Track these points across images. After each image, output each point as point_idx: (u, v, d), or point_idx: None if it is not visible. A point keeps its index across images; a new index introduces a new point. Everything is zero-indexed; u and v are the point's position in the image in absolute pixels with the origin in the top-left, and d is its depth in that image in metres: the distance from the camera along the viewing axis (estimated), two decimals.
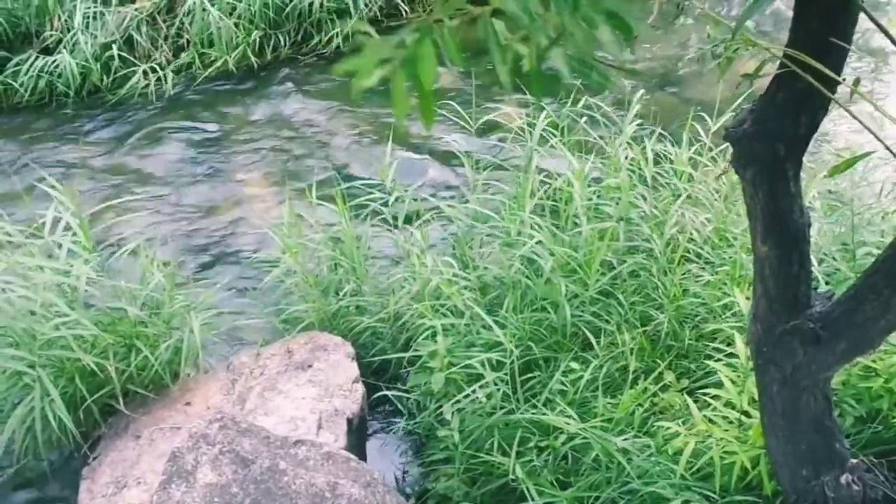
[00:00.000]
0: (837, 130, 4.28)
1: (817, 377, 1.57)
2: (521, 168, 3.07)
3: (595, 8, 0.77)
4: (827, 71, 1.17)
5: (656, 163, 3.01)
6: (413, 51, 0.82)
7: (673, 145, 3.15)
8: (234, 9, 5.34)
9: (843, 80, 1.21)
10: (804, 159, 1.43)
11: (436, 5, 0.84)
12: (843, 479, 1.72)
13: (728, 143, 1.46)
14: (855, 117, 1.18)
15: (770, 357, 1.62)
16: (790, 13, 1.26)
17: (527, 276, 2.68)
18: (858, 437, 2.09)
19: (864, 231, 2.62)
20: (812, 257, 1.79)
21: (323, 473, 2.07)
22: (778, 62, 1.25)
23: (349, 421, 2.62)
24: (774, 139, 1.35)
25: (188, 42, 5.39)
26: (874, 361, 2.10)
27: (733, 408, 2.12)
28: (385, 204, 3.11)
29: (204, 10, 5.19)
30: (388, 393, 2.71)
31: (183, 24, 5.33)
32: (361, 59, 0.82)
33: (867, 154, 1.15)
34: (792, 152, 1.37)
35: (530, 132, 3.05)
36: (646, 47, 5.43)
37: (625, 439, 2.16)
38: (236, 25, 5.32)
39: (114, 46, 5.13)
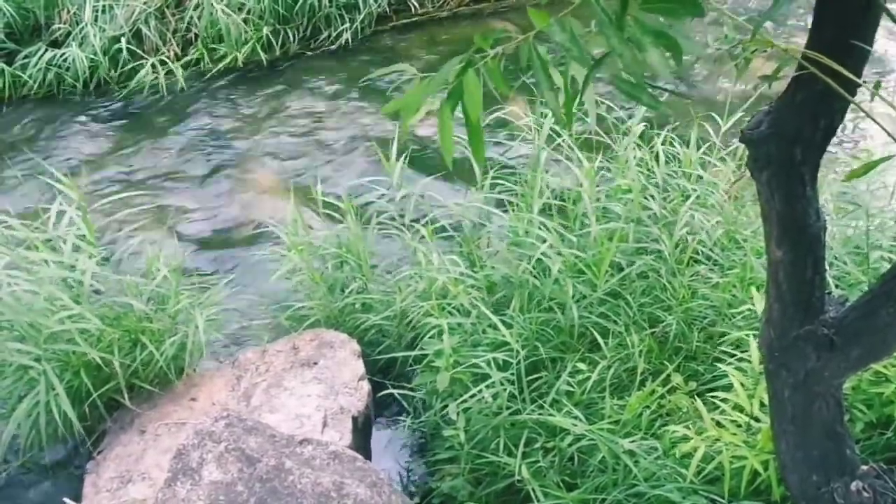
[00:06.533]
0: (851, 131, 4.25)
1: (830, 383, 1.55)
2: (528, 166, 3.05)
3: (642, 28, 0.75)
4: (847, 73, 1.15)
5: (666, 163, 2.99)
6: (458, 82, 0.80)
7: (682, 145, 3.12)
8: (244, 4, 5.33)
9: (864, 82, 1.19)
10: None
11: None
12: (853, 486, 1.70)
13: (743, 145, 1.44)
14: (875, 121, 1.16)
15: (782, 362, 1.60)
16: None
17: (534, 276, 2.66)
18: (868, 442, 2.07)
19: (877, 234, 2.59)
20: None
21: (329, 473, 2.06)
22: (796, 63, 1.23)
23: (354, 419, 2.61)
24: (791, 142, 1.33)
25: (196, 37, 5.39)
26: (885, 367, 2.08)
27: (741, 411, 2.10)
28: (391, 201, 3.09)
29: (212, 5, 5.18)
30: (394, 391, 2.69)
31: (192, 18, 5.33)
32: (408, 98, 0.81)
33: (887, 158, 1.13)
34: (809, 155, 1.35)
35: (538, 130, 3.03)
36: None
37: (632, 441, 2.14)
38: (245, 21, 5.31)
39: (122, 40, 5.12)
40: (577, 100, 0.94)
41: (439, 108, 0.81)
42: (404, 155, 3.06)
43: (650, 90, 0.84)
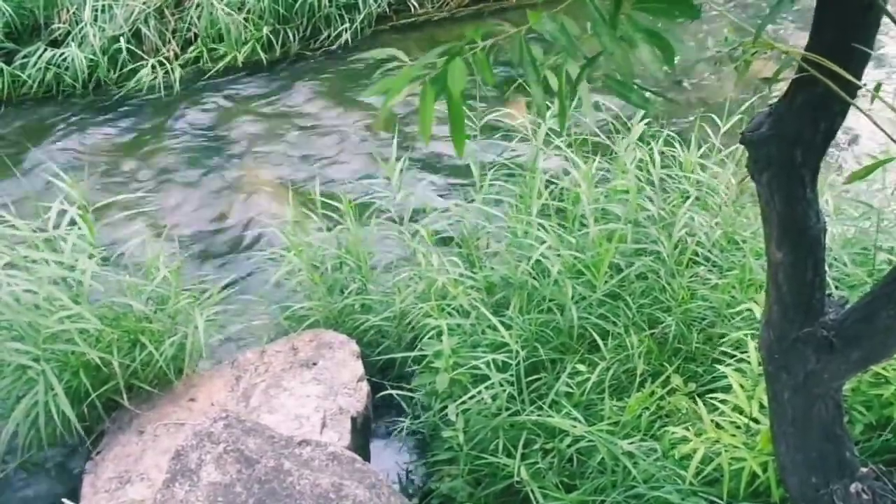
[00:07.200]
0: (851, 133, 4.25)
1: (830, 385, 1.55)
2: (526, 168, 3.05)
3: (635, 27, 0.75)
4: (847, 75, 1.15)
5: (665, 165, 2.99)
6: (444, 69, 0.80)
7: (682, 146, 3.12)
8: (243, 4, 5.33)
9: (864, 84, 1.19)
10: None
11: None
12: (852, 488, 1.69)
13: (743, 147, 1.44)
14: (876, 124, 1.16)
15: (782, 364, 1.60)
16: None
17: (533, 277, 2.66)
18: (868, 444, 2.07)
19: (879, 235, 2.59)
20: None
21: (328, 474, 2.06)
22: (796, 65, 1.23)
23: (353, 420, 2.61)
24: (792, 144, 1.33)
25: (196, 36, 5.39)
26: (885, 369, 2.08)
27: (741, 413, 2.10)
28: (390, 201, 3.09)
29: (212, 4, 5.18)
30: (393, 392, 2.69)
31: (191, 18, 5.33)
32: (392, 80, 0.80)
33: (888, 160, 1.13)
34: (809, 157, 1.35)
35: (535, 131, 3.03)
36: None
37: (631, 443, 2.14)
38: (245, 21, 5.31)
39: (121, 40, 5.12)
40: (574, 99, 0.93)
41: (421, 88, 0.81)
42: (404, 155, 3.06)
43: (641, 90, 0.83)
